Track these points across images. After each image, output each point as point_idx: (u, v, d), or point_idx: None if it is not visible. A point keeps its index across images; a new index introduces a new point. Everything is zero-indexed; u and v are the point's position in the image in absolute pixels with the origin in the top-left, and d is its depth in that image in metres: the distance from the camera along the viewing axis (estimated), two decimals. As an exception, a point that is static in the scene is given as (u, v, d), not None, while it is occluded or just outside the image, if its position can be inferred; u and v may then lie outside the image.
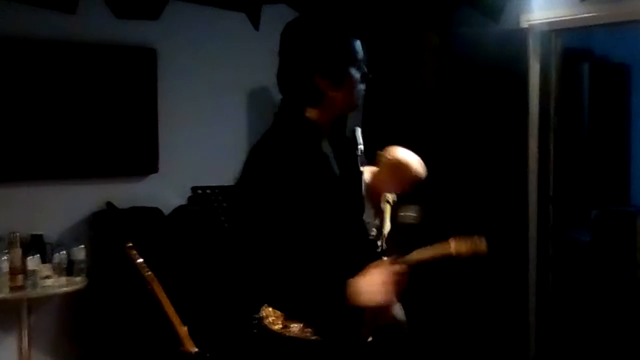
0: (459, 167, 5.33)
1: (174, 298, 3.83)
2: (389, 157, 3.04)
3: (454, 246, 3.65)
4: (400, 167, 3.12)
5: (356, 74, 2.20)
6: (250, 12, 5.46)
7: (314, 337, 2.16)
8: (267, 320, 2.22)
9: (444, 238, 3.17)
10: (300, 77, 2.17)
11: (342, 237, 2.19)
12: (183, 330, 3.76)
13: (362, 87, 2.25)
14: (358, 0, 5.33)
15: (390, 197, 2.21)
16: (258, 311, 2.29)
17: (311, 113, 2.21)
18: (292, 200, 2.08)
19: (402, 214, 2.24)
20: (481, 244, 3.60)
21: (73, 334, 4.90)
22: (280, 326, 2.19)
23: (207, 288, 4.91)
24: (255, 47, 5.39)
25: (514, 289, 5.29)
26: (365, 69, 2.24)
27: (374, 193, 2.72)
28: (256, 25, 5.47)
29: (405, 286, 2.12)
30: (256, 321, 2.30)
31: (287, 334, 2.18)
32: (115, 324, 4.68)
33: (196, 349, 3.76)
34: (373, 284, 2.07)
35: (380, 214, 3.01)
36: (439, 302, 5.29)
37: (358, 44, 2.21)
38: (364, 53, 2.24)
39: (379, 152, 3.23)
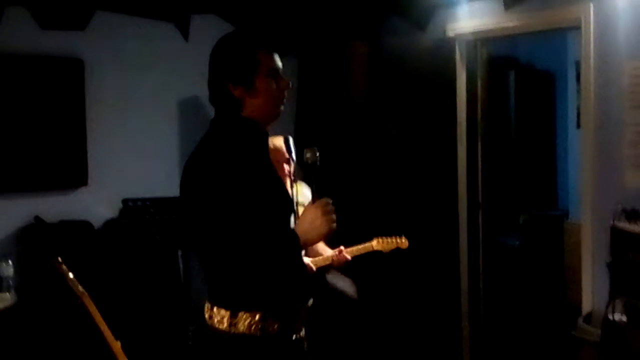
0: (390, 175, 5.39)
1: (106, 313, 3.77)
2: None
3: (375, 243, 4.10)
4: (272, 151, 3.35)
5: (270, 83, 2.34)
6: (180, 22, 5.44)
7: (259, 333, 2.29)
8: (213, 321, 2.33)
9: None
10: (217, 86, 2.34)
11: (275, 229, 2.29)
12: (116, 345, 3.70)
13: (279, 95, 2.38)
14: (289, 12, 5.36)
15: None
16: (197, 319, 2.34)
17: (245, 113, 2.35)
18: (240, 192, 2.19)
19: (306, 155, 2.38)
20: (402, 241, 4.02)
21: (2, 352, 4.77)
22: (227, 325, 2.30)
23: (140, 302, 4.84)
24: (185, 57, 5.36)
25: (446, 294, 5.37)
26: (281, 78, 2.37)
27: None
28: (185, 35, 5.46)
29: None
30: (199, 325, 2.38)
31: (234, 332, 2.29)
32: (46, 341, 4.57)
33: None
34: (315, 219, 2.25)
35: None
36: (377, 314, 5.32)
37: (269, 56, 2.35)
38: (283, 64, 2.38)
39: None
